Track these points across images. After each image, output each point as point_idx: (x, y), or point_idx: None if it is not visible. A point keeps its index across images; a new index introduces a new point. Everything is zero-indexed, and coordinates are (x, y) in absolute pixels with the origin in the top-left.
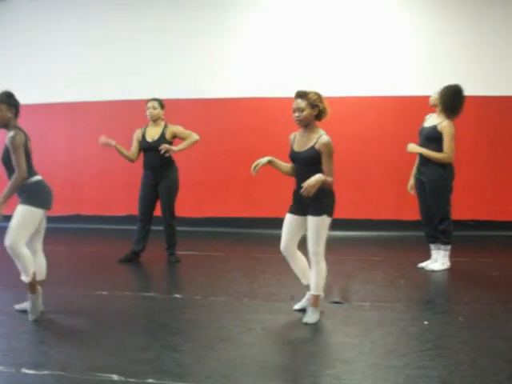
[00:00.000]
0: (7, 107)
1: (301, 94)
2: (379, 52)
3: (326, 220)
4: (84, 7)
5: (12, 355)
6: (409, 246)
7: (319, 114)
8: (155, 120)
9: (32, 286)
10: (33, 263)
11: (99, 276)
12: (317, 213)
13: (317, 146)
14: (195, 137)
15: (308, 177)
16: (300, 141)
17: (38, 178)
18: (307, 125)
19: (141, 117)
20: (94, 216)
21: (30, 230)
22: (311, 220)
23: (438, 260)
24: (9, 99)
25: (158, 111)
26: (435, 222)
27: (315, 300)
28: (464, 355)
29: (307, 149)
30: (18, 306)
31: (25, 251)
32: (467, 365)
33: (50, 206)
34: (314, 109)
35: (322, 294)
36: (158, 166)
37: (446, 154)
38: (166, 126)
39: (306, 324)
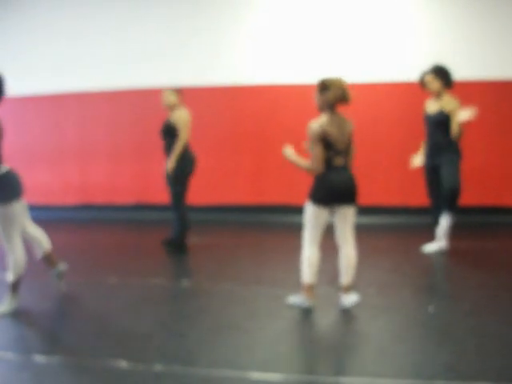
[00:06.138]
0: None
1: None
2: (385, 38)
3: (308, 207)
4: None
5: (23, 342)
6: (416, 232)
7: (326, 102)
8: (170, 108)
9: (14, 285)
10: (22, 264)
11: (107, 264)
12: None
13: None
14: (180, 140)
15: None
16: None
17: (6, 168)
18: (321, 111)
19: (149, 105)
20: (103, 205)
21: (17, 222)
22: None
23: (435, 240)
24: None
25: (168, 100)
26: (445, 191)
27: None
28: (470, 341)
29: None
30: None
31: (18, 250)
32: (473, 351)
33: (21, 193)
34: (321, 96)
35: (305, 282)
36: (167, 151)
37: (454, 132)
38: (174, 112)
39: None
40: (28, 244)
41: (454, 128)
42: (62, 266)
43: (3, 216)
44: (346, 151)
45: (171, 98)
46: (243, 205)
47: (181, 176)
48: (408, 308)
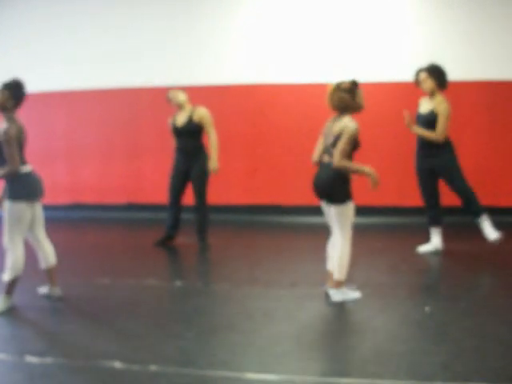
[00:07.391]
0: (9, 95)
1: None
2: (381, 38)
3: None
4: None
5: (15, 343)
6: (411, 233)
7: None
8: (181, 106)
9: (9, 286)
10: (20, 266)
11: (100, 264)
12: None
13: None
14: (214, 137)
15: None
16: None
17: (26, 169)
18: None
19: (140, 104)
20: (94, 204)
21: (23, 223)
22: None
23: (432, 242)
24: (15, 89)
25: (179, 99)
26: (462, 199)
27: None
28: (467, 341)
29: None
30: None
31: (19, 251)
32: (470, 351)
33: (37, 197)
34: None
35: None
36: (190, 150)
37: (438, 133)
38: (192, 110)
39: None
40: (29, 246)
41: (439, 128)
42: (57, 292)
43: (11, 212)
44: (330, 149)
45: (181, 97)
46: (236, 205)
47: (208, 173)
48: (404, 308)
